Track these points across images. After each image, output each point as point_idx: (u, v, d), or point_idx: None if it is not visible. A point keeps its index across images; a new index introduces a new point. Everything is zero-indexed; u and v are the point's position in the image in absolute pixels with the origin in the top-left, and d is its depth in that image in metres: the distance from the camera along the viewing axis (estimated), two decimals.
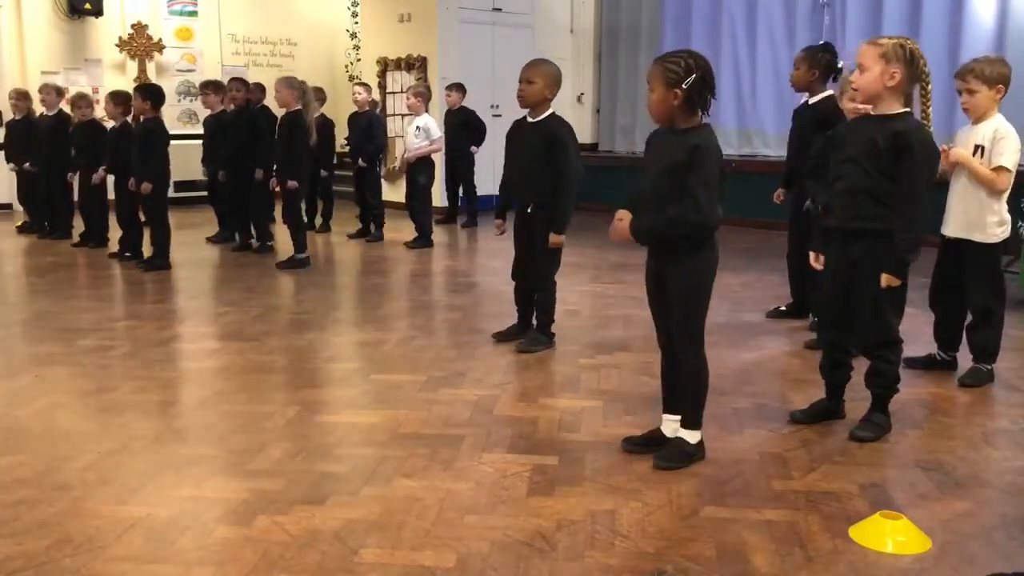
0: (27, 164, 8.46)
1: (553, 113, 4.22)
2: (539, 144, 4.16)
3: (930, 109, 3.09)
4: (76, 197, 7.99)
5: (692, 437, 2.87)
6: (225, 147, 7.65)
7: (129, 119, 7.04)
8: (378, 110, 9.18)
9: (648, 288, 2.95)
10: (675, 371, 2.94)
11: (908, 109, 3.05)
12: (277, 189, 7.06)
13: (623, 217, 2.81)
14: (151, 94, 6.80)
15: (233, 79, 7.87)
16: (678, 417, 2.97)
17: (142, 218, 7.04)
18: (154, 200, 6.74)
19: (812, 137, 4.42)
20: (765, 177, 7.44)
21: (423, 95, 8.06)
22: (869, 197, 3.04)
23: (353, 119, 8.49)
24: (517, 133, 4.31)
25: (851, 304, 3.17)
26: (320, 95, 8.48)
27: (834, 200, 3.15)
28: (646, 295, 2.98)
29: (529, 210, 4.27)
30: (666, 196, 2.73)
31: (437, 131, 7.95)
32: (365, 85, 8.94)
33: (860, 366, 3.27)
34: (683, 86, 2.66)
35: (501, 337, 4.47)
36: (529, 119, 4.24)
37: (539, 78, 4.13)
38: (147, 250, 6.97)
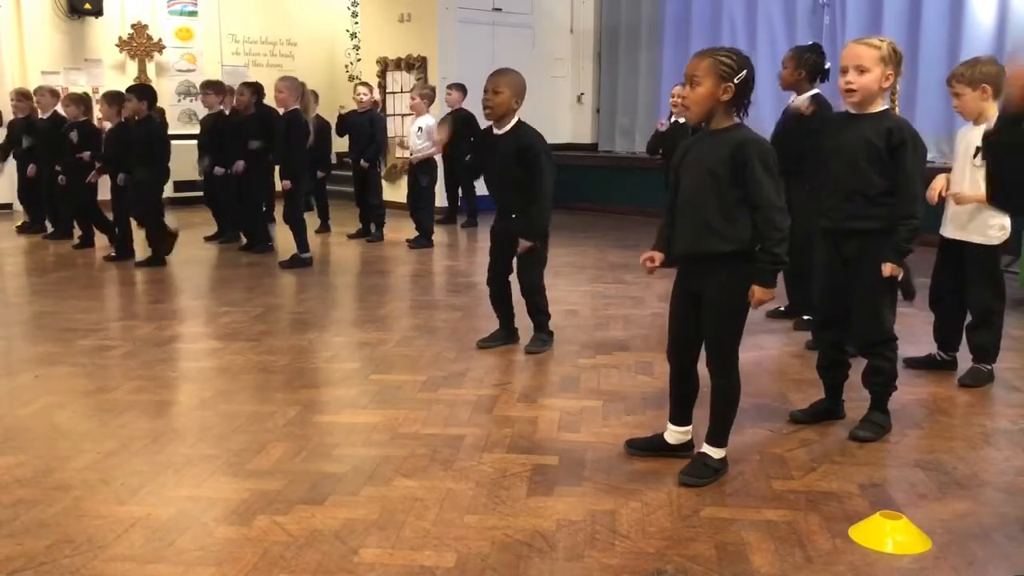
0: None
1: (520, 121, 4.15)
2: (511, 157, 4.08)
3: (896, 109, 3.16)
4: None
5: (717, 453, 2.79)
6: (238, 148, 7.66)
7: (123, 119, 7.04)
8: (378, 109, 9.16)
9: (677, 305, 2.84)
10: (686, 387, 2.90)
11: (887, 106, 3.10)
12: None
13: (754, 293, 2.64)
14: (146, 94, 6.79)
15: (243, 84, 7.87)
16: (684, 428, 2.95)
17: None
18: (149, 200, 6.73)
19: (796, 135, 4.43)
20: None
21: (427, 96, 8.06)
22: (862, 196, 3.05)
23: (354, 118, 8.47)
24: (485, 146, 4.24)
25: (846, 303, 3.17)
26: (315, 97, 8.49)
27: (825, 201, 3.15)
28: (670, 310, 2.88)
29: (514, 216, 4.21)
30: (710, 206, 2.63)
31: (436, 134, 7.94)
32: (368, 84, 8.93)
33: (858, 365, 3.27)
34: (735, 81, 2.59)
35: (485, 343, 4.44)
36: (496, 131, 4.15)
37: (505, 87, 4.05)
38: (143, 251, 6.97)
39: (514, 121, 4.14)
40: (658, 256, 2.84)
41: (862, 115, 3.07)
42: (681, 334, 2.84)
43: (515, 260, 4.34)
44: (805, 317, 4.76)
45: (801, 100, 4.60)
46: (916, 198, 3.00)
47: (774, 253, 2.60)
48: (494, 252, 4.42)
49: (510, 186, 4.16)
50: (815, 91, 4.61)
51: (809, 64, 4.59)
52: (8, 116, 9.12)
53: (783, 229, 2.60)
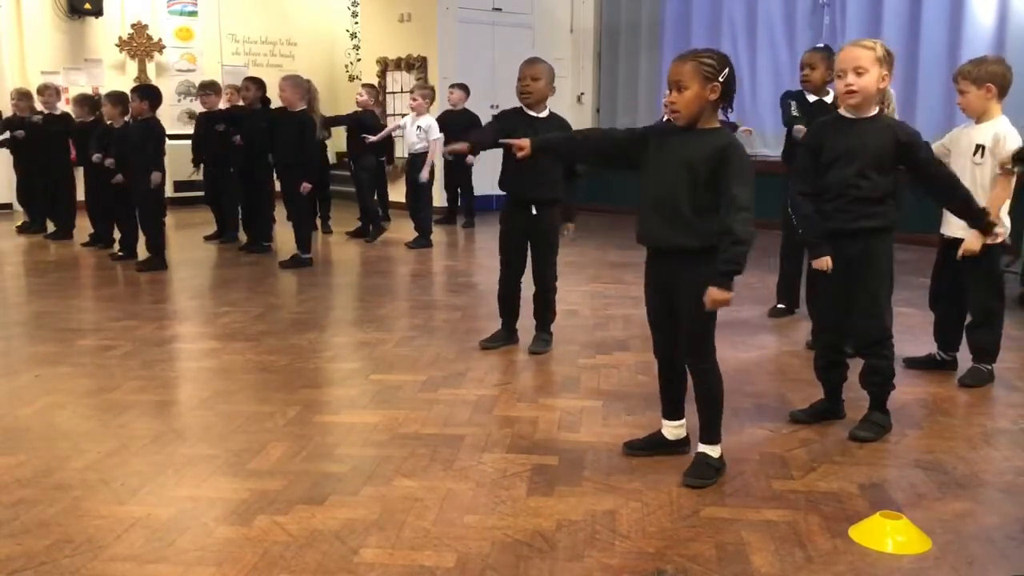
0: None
1: (551, 110, 4.24)
2: None
3: (894, 109, 3.22)
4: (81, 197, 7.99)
5: (714, 451, 2.80)
6: (238, 145, 7.68)
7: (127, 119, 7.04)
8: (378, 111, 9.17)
9: (651, 299, 2.87)
10: (675, 380, 2.92)
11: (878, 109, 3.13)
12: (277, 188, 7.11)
13: (714, 296, 2.56)
14: (149, 94, 6.79)
15: (246, 78, 7.88)
16: (678, 423, 2.96)
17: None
18: (149, 200, 6.73)
19: None
20: (765, 177, 7.40)
21: (428, 96, 8.07)
22: (868, 200, 3.06)
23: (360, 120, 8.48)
24: (519, 128, 4.15)
25: (845, 305, 3.17)
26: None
27: (828, 204, 3.14)
28: (646, 305, 2.91)
29: (534, 211, 4.21)
30: (684, 201, 2.63)
31: (437, 132, 7.94)
32: (369, 87, 8.93)
33: (856, 366, 3.27)
34: (720, 79, 2.59)
35: (488, 344, 4.42)
36: (532, 113, 4.19)
37: (543, 75, 4.16)
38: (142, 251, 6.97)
39: (548, 109, 4.23)
40: None
41: (865, 119, 3.07)
42: (662, 328, 2.86)
43: (529, 256, 4.34)
44: (780, 306, 5.11)
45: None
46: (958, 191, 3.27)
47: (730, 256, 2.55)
48: (509, 251, 4.34)
49: (537, 173, 4.07)
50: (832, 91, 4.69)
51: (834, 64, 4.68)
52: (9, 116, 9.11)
53: (750, 236, 2.54)
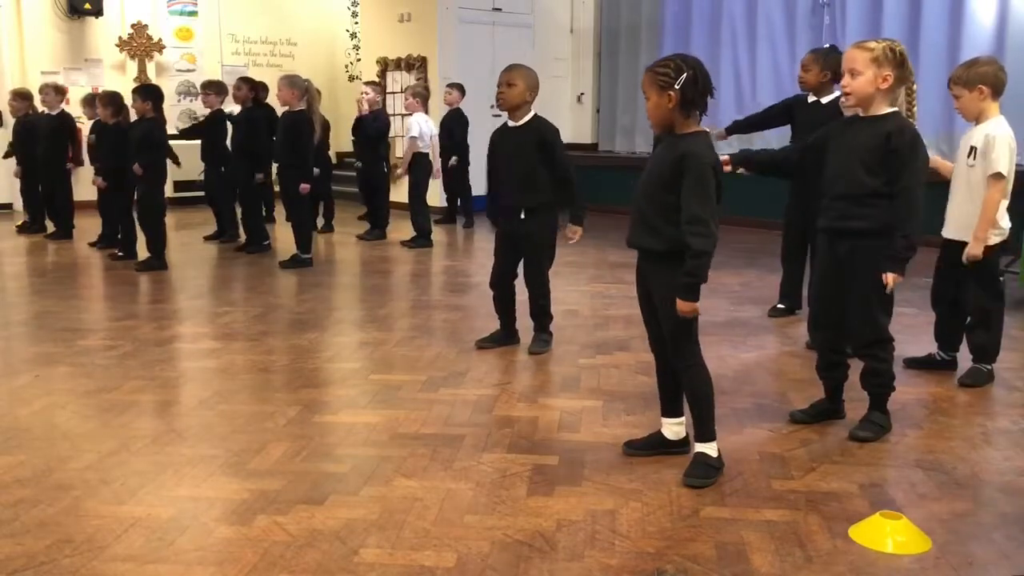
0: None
1: (536, 115, 4.19)
2: (529, 147, 4.11)
3: (915, 108, 3.13)
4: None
5: (712, 450, 2.80)
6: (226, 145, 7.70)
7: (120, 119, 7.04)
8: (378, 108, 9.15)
9: (639, 297, 2.92)
10: (669, 376, 2.93)
11: (896, 109, 3.07)
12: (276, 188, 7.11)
13: (680, 308, 2.65)
14: (151, 94, 6.79)
15: (239, 78, 7.90)
16: (677, 420, 2.97)
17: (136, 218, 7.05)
18: (149, 200, 6.73)
19: None
20: (764, 177, 7.42)
21: (420, 95, 8.05)
22: (852, 198, 3.05)
23: (361, 119, 8.47)
24: (502, 140, 4.26)
25: (840, 303, 3.17)
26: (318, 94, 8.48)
27: (822, 200, 3.15)
28: (639, 303, 2.94)
29: (522, 216, 4.21)
30: (650, 204, 2.71)
31: (414, 130, 7.86)
32: (374, 84, 8.91)
33: (857, 365, 3.27)
34: (676, 87, 2.64)
35: (484, 344, 4.43)
36: (511, 123, 4.19)
37: (519, 80, 4.10)
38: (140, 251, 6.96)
39: (531, 115, 4.18)
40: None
41: (866, 118, 3.07)
42: (650, 325, 2.90)
43: (520, 262, 4.34)
44: (780, 306, 5.07)
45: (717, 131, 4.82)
46: (911, 210, 2.94)
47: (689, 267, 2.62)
48: (500, 253, 4.40)
49: (521, 179, 4.16)
50: (838, 93, 4.61)
51: (834, 65, 4.53)
52: (8, 116, 9.10)
53: (707, 248, 2.59)
